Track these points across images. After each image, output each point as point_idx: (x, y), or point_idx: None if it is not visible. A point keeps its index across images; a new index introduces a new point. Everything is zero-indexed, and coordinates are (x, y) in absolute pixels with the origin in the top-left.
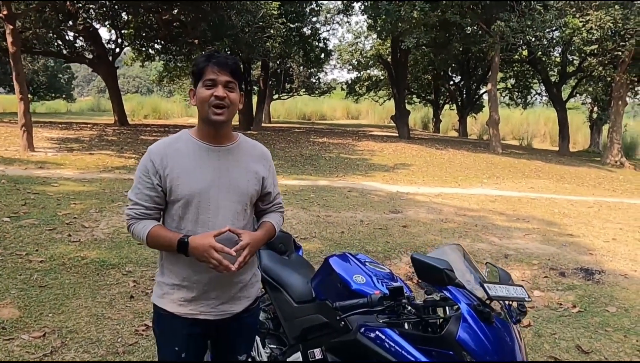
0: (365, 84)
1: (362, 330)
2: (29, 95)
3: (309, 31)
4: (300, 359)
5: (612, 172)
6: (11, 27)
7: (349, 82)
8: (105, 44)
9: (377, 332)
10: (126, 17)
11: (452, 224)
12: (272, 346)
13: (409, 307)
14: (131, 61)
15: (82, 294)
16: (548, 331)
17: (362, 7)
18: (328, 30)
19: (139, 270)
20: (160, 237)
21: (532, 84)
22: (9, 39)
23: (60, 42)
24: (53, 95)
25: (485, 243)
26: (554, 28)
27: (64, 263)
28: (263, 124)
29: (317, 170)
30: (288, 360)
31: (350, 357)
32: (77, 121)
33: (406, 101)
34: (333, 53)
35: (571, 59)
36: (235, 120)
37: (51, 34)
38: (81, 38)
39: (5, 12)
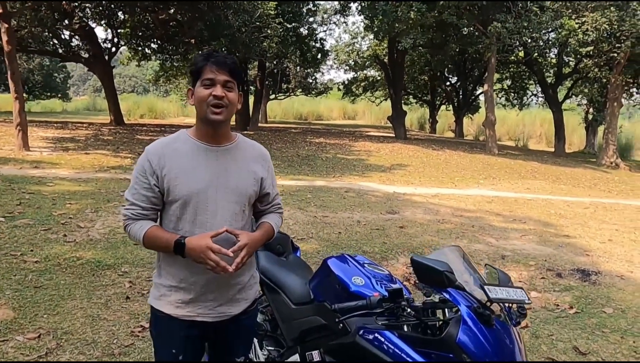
0: (362, 84)
1: (361, 332)
2: (24, 94)
3: (306, 31)
4: (298, 361)
5: (608, 173)
6: (6, 25)
7: (346, 82)
8: (101, 43)
9: (376, 334)
10: (122, 16)
11: (449, 225)
12: (269, 348)
13: (408, 309)
14: (127, 60)
15: (77, 295)
16: (545, 332)
17: (359, 7)
18: (325, 31)
19: (135, 270)
20: (157, 238)
21: (528, 85)
22: (4, 38)
23: (55, 41)
24: (48, 94)
25: (482, 244)
26: (550, 29)
27: (59, 264)
28: (260, 124)
29: (314, 170)
30: (286, 362)
31: (348, 359)
32: (72, 120)
33: (403, 102)
34: (330, 53)
35: (567, 61)
36: (232, 120)
37: (47, 33)
38: (77, 37)
39: (0, 11)
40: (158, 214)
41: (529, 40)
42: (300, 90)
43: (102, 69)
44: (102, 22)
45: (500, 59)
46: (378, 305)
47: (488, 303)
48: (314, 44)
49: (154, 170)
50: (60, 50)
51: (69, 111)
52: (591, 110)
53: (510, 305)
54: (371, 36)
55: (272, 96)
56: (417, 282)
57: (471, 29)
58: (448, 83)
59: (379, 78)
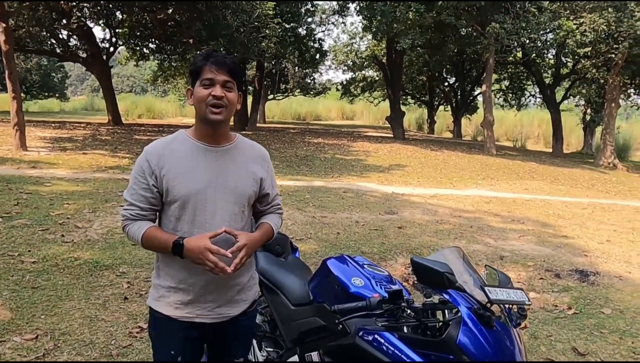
0: (360, 84)
1: (361, 333)
2: (22, 94)
3: (304, 31)
4: (298, 362)
5: (605, 173)
6: (4, 25)
7: (344, 82)
8: (99, 43)
9: (375, 336)
10: (120, 16)
11: (448, 225)
12: (268, 349)
13: (408, 311)
14: (125, 60)
15: (75, 296)
16: (544, 333)
17: (358, 7)
18: (323, 31)
19: (133, 271)
20: (155, 239)
21: (526, 86)
22: (2, 37)
23: (53, 41)
24: (46, 94)
25: (480, 245)
26: (548, 30)
27: (57, 264)
28: (258, 124)
29: (312, 170)
30: None
31: (348, 360)
32: (70, 120)
33: (401, 102)
34: (328, 54)
35: (565, 61)
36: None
37: (44, 33)
38: (75, 37)
39: None
40: (157, 215)
41: (527, 41)
42: (298, 90)
43: (100, 68)
44: (100, 21)
45: (498, 60)
46: (378, 306)
47: (488, 305)
48: (312, 44)
49: (153, 170)
50: (58, 50)
51: (66, 111)
52: (589, 111)
53: (511, 306)
54: (369, 36)
55: (271, 96)
56: (415, 282)
57: (469, 29)
58: (446, 83)
59: (377, 78)
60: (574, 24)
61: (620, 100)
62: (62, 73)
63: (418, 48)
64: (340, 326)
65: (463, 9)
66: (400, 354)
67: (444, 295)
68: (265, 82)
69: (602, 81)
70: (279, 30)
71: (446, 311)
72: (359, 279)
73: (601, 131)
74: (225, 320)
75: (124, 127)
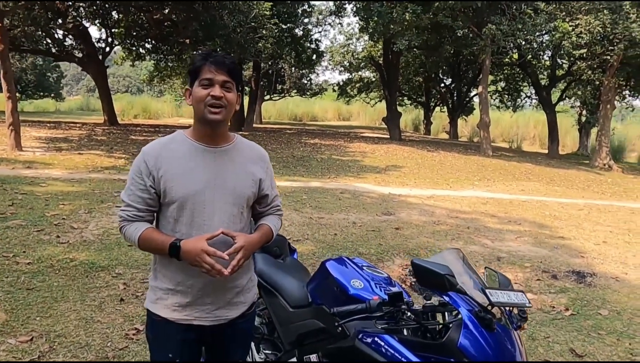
0: (357, 85)
1: (360, 336)
2: (17, 94)
3: (301, 32)
4: None
5: (601, 175)
6: None
7: (341, 83)
8: (95, 43)
9: (375, 338)
10: (116, 16)
11: (445, 226)
12: (266, 351)
13: (408, 313)
14: (121, 60)
15: (70, 297)
16: (542, 334)
17: (354, 8)
18: (320, 32)
19: (129, 272)
20: (152, 240)
21: (522, 87)
22: None
23: (49, 41)
24: (41, 94)
25: (477, 246)
26: (544, 32)
27: (52, 265)
28: (254, 125)
29: (309, 171)
30: None
31: None
32: (65, 120)
33: (397, 103)
34: (325, 54)
35: (561, 63)
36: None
37: (40, 32)
38: (71, 36)
39: None
40: (154, 216)
41: (523, 43)
42: (295, 91)
43: (96, 68)
44: (96, 21)
45: (494, 61)
46: (378, 308)
47: (489, 307)
48: (309, 44)
49: (150, 171)
50: (53, 50)
51: (62, 111)
52: (584, 112)
53: (511, 308)
54: (366, 37)
55: (267, 97)
56: (413, 284)
57: (466, 30)
58: (442, 84)
59: (373, 79)
60: (570, 26)
61: (616, 102)
62: (58, 73)
63: (414, 49)
64: (340, 328)
65: (459, 10)
66: (400, 357)
67: (444, 297)
68: (261, 83)
69: (597, 83)
70: (276, 31)
71: (446, 313)
72: (358, 281)
73: (596, 132)
74: (223, 323)
75: (119, 127)
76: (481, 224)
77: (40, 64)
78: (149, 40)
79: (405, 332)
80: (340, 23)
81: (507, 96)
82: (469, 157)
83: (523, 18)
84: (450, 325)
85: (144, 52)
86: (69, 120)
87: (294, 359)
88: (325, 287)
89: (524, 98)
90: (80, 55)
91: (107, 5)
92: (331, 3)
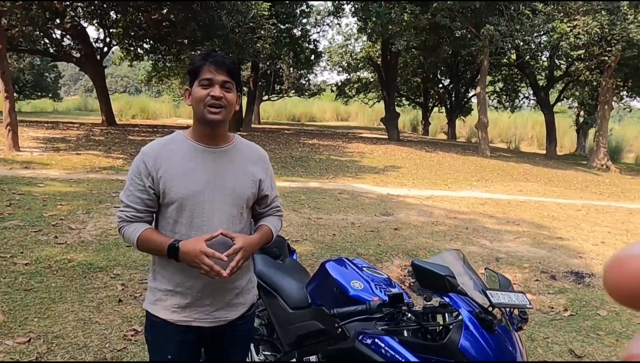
0: (355, 86)
1: (361, 337)
2: (15, 94)
3: (299, 32)
4: None
5: (599, 175)
6: None
7: (339, 84)
8: (93, 43)
9: (375, 340)
10: (115, 16)
11: (443, 227)
12: (266, 353)
13: (409, 314)
14: (119, 60)
15: (68, 298)
16: (541, 335)
17: (353, 9)
18: (318, 32)
19: (128, 273)
20: (150, 241)
21: (520, 88)
22: None
23: (47, 41)
24: (39, 94)
25: (476, 246)
26: (542, 33)
27: (50, 266)
28: (252, 125)
29: (308, 171)
30: None
31: None
32: (63, 120)
33: (396, 103)
34: (323, 55)
35: (559, 64)
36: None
37: (38, 32)
38: (68, 36)
39: None
40: (153, 217)
41: (521, 43)
42: (293, 91)
43: (94, 68)
44: (94, 21)
45: (492, 62)
46: (378, 310)
47: (490, 308)
48: (307, 45)
49: (149, 171)
50: (51, 50)
51: (59, 111)
52: (582, 113)
53: (512, 309)
54: (364, 38)
55: (265, 97)
56: (412, 284)
57: (464, 31)
58: (441, 85)
59: (372, 80)
60: (568, 27)
61: (613, 103)
62: (56, 73)
63: (413, 50)
64: (340, 330)
65: (458, 11)
66: (400, 358)
67: (445, 298)
68: (260, 83)
69: (595, 83)
70: (274, 31)
71: (446, 314)
72: (358, 282)
73: (594, 133)
74: (223, 324)
75: (117, 128)
76: (479, 225)
77: (38, 64)
78: (147, 40)
79: (405, 334)
80: (338, 23)
81: (505, 97)
82: (467, 158)
83: (521, 19)
84: (451, 327)
85: (142, 52)
86: (67, 121)
87: (294, 360)
88: (325, 288)
89: (522, 99)
90: (78, 55)
91: (105, 5)
92: (329, 3)
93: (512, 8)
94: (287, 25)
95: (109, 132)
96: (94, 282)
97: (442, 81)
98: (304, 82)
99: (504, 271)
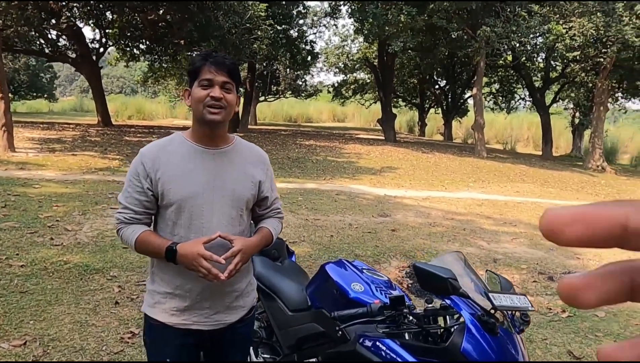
0: (352, 87)
1: (361, 340)
2: (10, 95)
3: (296, 33)
4: None
5: (594, 176)
6: None
7: (336, 85)
8: (89, 43)
9: (377, 343)
10: (111, 16)
11: (441, 228)
12: (265, 355)
13: (410, 317)
14: (115, 61)
15: (64, 300)
16: (539, 336)
17: (349, 10)
18: (315, 33)
19: (124, 274)
20: (148, 244)
21: (516, 89)
22: None
23: (42, 41)
24: (34, 94)
25: (474, 248)
26: (538, 34)
27: (46, 268)
28: (249, 126)
29: (305, 173)
30: None
31: None
32: (59, 121)
33: (392, 105)
34: (320, 56)
35: (554, 65)
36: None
37: (33, 32)
38: (64, 37)
39: None
40: (152, 218)
41: (517, 45)
42: (289, 92)
43: (90, 69)
44: (90, 22)
45: (488, 63)
46: (379, 312)
47: (492, 311)
48: (304, 46)
49: (148, 173)
50: (46, 50)
51: (55, 112)
52: (578, 114)
53: (514, 312)
54: (361, 39)
55: (262, 98)
56: (409, 286)
57: (460, 32)
58: (437, 86)
59: (368, 81)
60: (564, 28)
61: (609, 104)
62: (51, 73)
63: (409, 51)
64: (340, 332)
65: (454, 12)
66: (402, 361)
67: (446, 300)
68: (256, 84)
69: (590, 85)
70: (271, 32)
71: (447, 317)
72: (358, 284)
73: (590, 134)
74: (222, 327)
75: (113, 128)
76: (477, 226)
77: (34, 65)
78: (144, 40)
79: (406, 336)
80: (335, 24)
81: (501, 98)
82: (463, 159)
83: (517, 20)
84: (452, 329)
85: (138, 52)
86: (63, 121)
87: None
88: (324, 290)
89: (518, 100)
90: (73, 55)
91: (101, 6)
92: (326, 4)
93: (508, 9)
94: (283, 26)
95: (105, 133)
96: (90, 284)
97: (439, 82)
98: (300, 83)
99: (502, 272)
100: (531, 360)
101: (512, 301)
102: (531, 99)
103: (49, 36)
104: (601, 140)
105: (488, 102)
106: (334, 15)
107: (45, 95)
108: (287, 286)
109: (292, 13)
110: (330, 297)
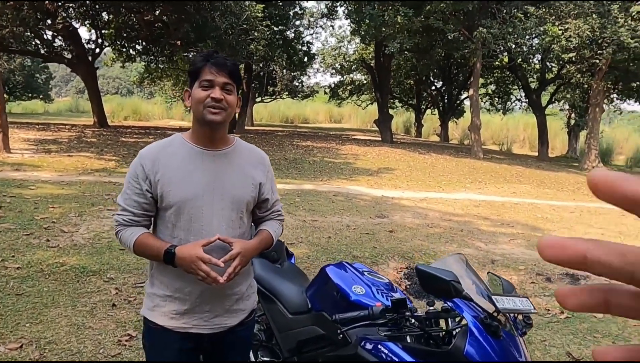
0: (348, 88)
1: (363, 343)
2: (5, 95)
3: (293, 34)
4: None
5: None
6: None
7: (332, 85)
8: (85, 44)
9: (378, 346)
10: (107, 17)
11: (438, 229)
12: (265, 358)
13: (412, 320)
14: (111, 62)
15: (61, 302)
16: (538, 338)
17: (346, 11)
18: (312, 34)
19: (121, 276)
20: (147, 246)
21: (512, 90)
22: None
23: (38, 41)
24: (30, 95)
25: (471, 249)
26: (534, 35)
27: (42, 270)
28: (246, 127)
29: (302, 174)
30: None
31: None
32: (55, 122)
33: (389, 105)
34: (316, 57)
35: (550, 66)
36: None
37: (29, 33)
38: (60, 37)
39: None
40: (151, 220)
41: (514, 46)
42: (286, 93)
43: (86, 70)
44: (86, 22)
45: (485, 64)
46: (381, 315)
47: (495, 314)
48: (300, 47)
49: (147, 175)
50: (42, 51)
51: (51, 112)
52: (573, 115)
53: (517, 315)
54: (358, 40)
55: (259, 99)
56: (408, 287)
57: (457, 34)
58: (433, 87)
59: (365, 82)
60: (559, 30)
61: (604, 105)
62: (47, 74)
63: (406, 52)
64: (341, 335)
65: (451, 13)
66: None
67: (448, 303)
68: (253, 85)
69: (586, 86)
70: (268, 33)
71: (450, 319)
72: (359, 287)
73: (585, 135)
74: (222, 331)
75: (109, 129)
76: (474, 227)
77: (29, 65)
78: (140, 41)
79: (408, 339)
80: (331, 25)
81: (497, 99)
82: (460, 160)
83: (513, 22)
84: (455, 332)
85: (134, 53)
86: (58, 122)
87: None
88: (325, 293)
89: (514, 101)
90: (69, 56)
91: (97, 6)
92: (323, 5)
93: (505, 11)
94: (280, 27)
95: (101, 134)
96: (87, 286)
97: (435, 83)
98: (297, 83)
99: (500, 273)
100: (532, 362)
101: (515, 303)
102: (527, 100)
103: (45, 37)
104: (597, 141)
105: (484, 103)
106: (331, 16)
107: (41, 96)
108: (287, 288)
109: (288, 14)
110: (330, 299)
